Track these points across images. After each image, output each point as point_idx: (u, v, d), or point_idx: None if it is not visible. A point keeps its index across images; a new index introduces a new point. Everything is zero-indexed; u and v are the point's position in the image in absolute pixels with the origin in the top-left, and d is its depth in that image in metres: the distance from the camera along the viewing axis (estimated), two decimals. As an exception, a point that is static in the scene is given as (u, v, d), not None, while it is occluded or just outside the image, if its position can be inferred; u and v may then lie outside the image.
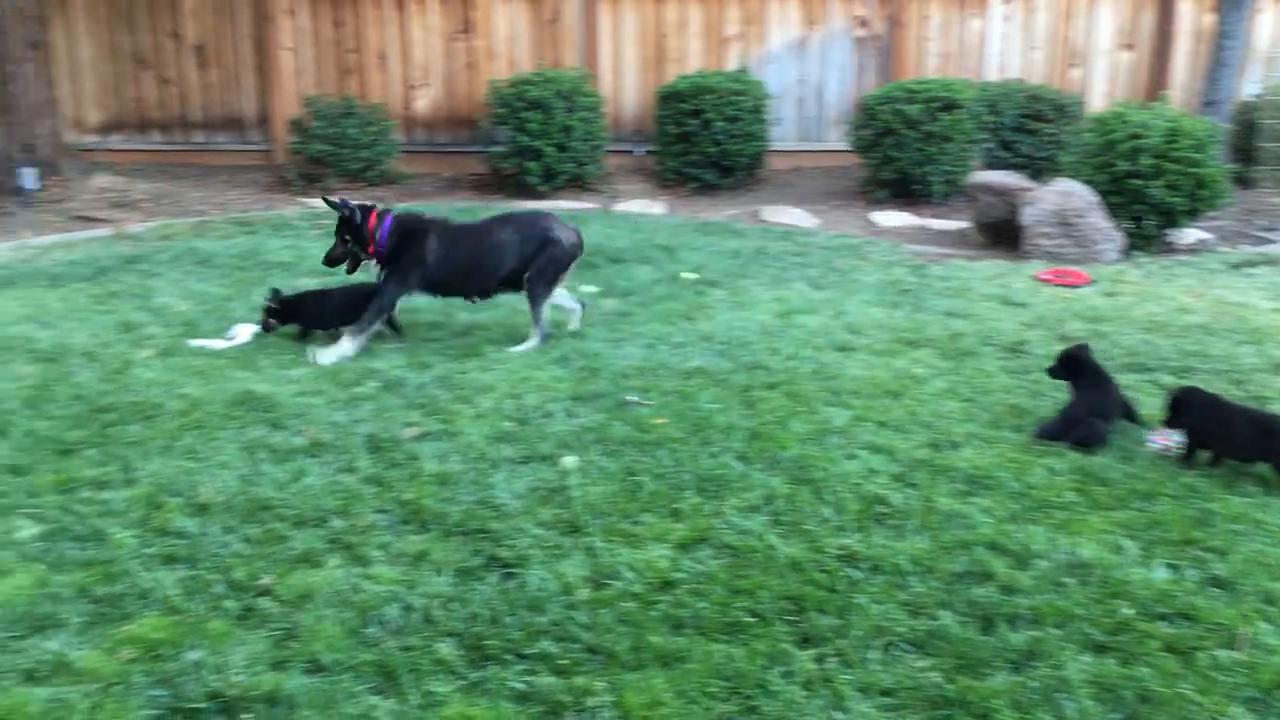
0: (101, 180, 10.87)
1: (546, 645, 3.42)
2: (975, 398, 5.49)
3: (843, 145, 12.09)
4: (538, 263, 6.30)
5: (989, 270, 8.09)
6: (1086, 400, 5.06)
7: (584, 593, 3.70)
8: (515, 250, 6.34)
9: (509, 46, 12.32)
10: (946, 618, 3.55)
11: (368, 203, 6.46)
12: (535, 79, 11.09)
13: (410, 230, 6.33)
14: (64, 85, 12.10)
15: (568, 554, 3.94)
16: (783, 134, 12.40)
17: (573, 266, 6.50)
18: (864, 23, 12.33)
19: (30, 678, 3.26)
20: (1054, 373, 5.29)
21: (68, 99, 12.19)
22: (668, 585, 3.75)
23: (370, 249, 6.32)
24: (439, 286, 6.43)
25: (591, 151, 11.31)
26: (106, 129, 12.51)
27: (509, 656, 3.37)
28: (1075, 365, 5.21)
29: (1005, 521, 4.19)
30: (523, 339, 6.31)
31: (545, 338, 6.27)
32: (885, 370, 5.85)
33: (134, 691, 3.19)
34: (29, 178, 10.16)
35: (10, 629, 3.48)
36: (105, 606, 3.61)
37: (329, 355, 6.03)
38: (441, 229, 6.43)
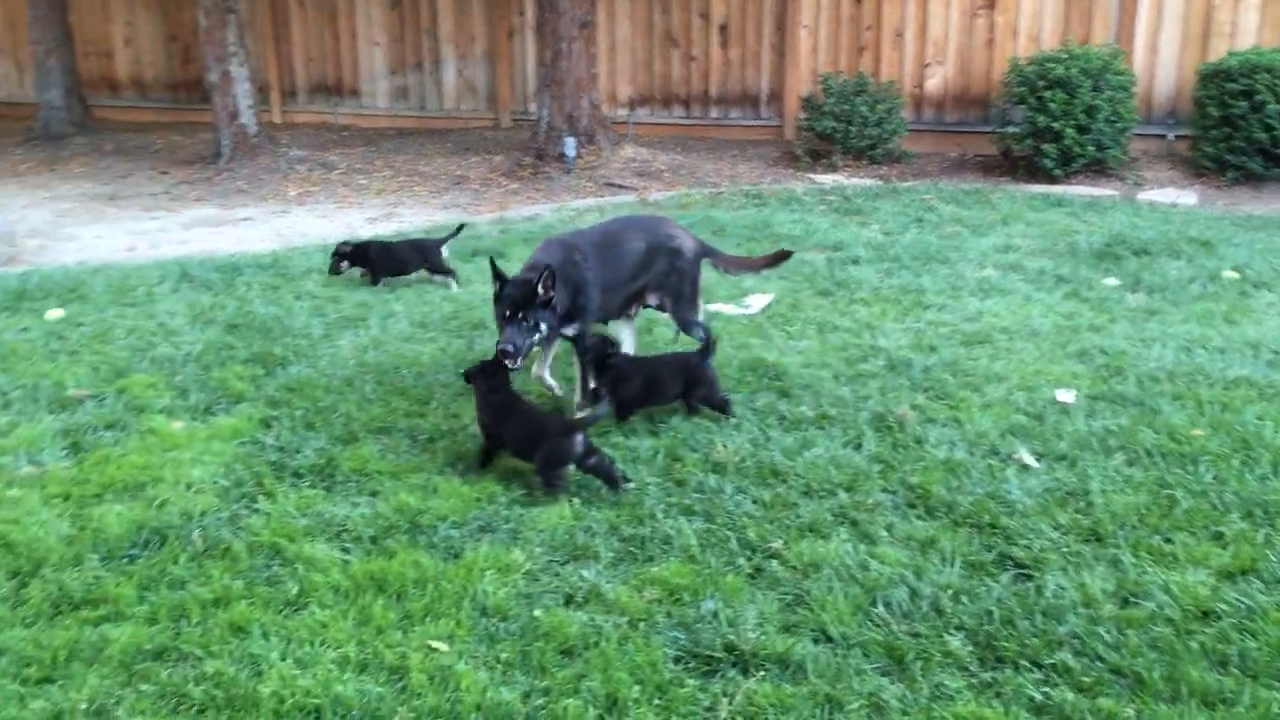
0: (628, 151, 11.73)
1: (1065, 657, 3.20)
2: None
3: None
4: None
5: None
6: None
7: (1109, 608, 3.42)
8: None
9: (1033, 22, 11.70)
10: None
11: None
12: (1061, 56, 10.44)
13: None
14: (601, 62, 13.19)
15: (1090, 564, 3.67)
16: (1353, 119, 10.74)
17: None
18: None
19: (569, 601, 3.57)
20: None
21: (604, 74, 13.27)
22: (1208, 616, 3.38)
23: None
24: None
25: (1116, 134, 10.46)
26: (634, 103, 13.49)
27: (1024, 662, 3.19)
28: None
29: None
30: None
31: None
32: None
33: (657, 630, 3.39)
34: (570, 146, 11.22)
35: (554, 554, 3.84)
36: (632, 546, 3.88)
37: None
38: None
